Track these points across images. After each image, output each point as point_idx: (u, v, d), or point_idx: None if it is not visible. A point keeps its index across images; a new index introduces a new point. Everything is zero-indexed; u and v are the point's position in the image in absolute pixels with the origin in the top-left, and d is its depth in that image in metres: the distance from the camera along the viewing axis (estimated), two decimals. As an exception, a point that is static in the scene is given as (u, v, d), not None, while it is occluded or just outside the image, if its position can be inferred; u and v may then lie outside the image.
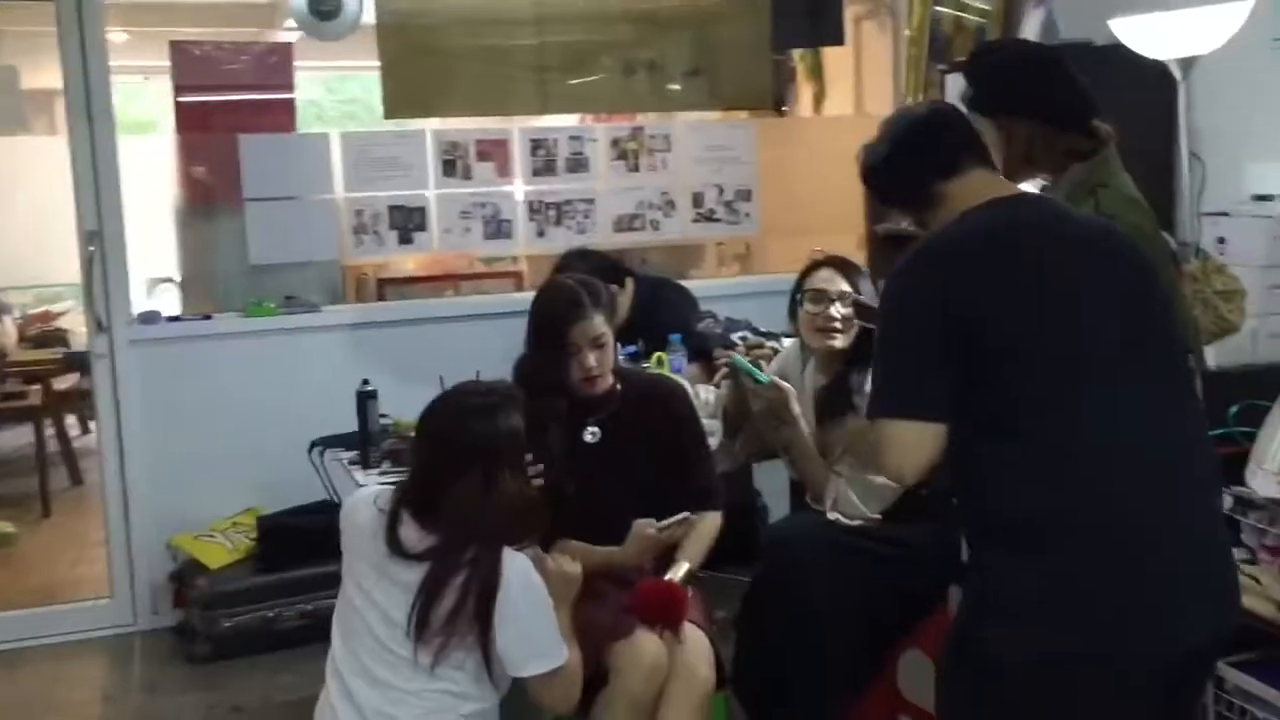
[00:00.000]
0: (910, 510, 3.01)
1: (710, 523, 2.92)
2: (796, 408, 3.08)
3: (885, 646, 3.03)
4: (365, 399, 3.34)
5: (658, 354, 3.60)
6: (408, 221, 4.68)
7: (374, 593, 2.26)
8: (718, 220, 5.15)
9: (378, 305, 5.00)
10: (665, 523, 2.73)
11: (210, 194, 4.61)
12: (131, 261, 4.37)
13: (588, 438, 2.88)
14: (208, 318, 4.52)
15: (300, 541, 4.26)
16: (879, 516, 3.00)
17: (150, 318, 4.42)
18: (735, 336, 3.81)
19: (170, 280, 4.83)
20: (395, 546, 2.24)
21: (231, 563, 4.27)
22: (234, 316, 4.54)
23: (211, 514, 4.45)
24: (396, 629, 2.22)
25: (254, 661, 4.09)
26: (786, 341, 3.50)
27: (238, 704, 3.82)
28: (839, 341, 3.09)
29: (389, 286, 5.04)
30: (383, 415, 3.58)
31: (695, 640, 2.67)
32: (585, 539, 2.85)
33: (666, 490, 2.93)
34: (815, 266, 3.18)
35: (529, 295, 4.98)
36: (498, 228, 4.79)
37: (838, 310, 3.06)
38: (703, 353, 3.87)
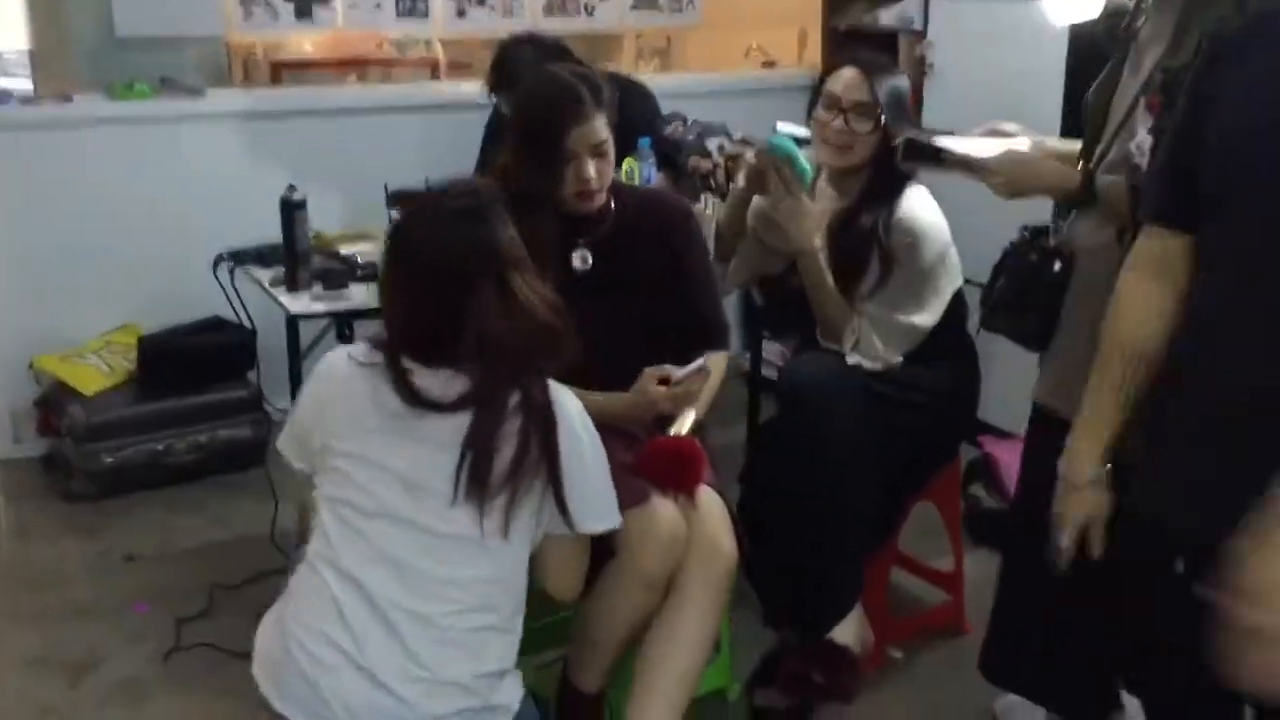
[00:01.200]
0: (931, 354, 2.67)
1: (718, 365, 2.50)
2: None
3: (897, 500, 2.72)
4: (292, 209, 2.78)
5: (626, 160, 3.09)
6: (307, -10, 3.99)
7: (389, 461, 1.80)
8: (658, 8, 4.56)
9: (271, 91, 4.31)
10: (681, 373, 2.30)
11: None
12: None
13: (576, 263, 2.41)
14: (68, 99, 3.79)
15: (191, 364, 3.74)
16: (900, 359, 2.65)
17: (-2, 98, 3.68)
18: (711, 143, 3.33)
19: (21, 54, 4.03)
20: (416, 399, 1.78)
21: (108, 388, 3.70)
22: (100, 99, 3.82)
23: (81, 332, 3.85)
24: (430, 498, 1.78)
25: (143, 500, 3.59)
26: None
27: (130, 550, 3.31)
28: (844, 159, 2.66)
29: (284, 71, 4.33)
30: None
31: (712, 505, 2.29)
32: (573, 382, 2.40)
33: (668, 325, 2.50)
34: (838, 65, 2.69)
35: (448, 87, 4.45)
36: (411, 5, 4.14)
37: (851, 124, 2.60)
38: (671, 161, 3.39)
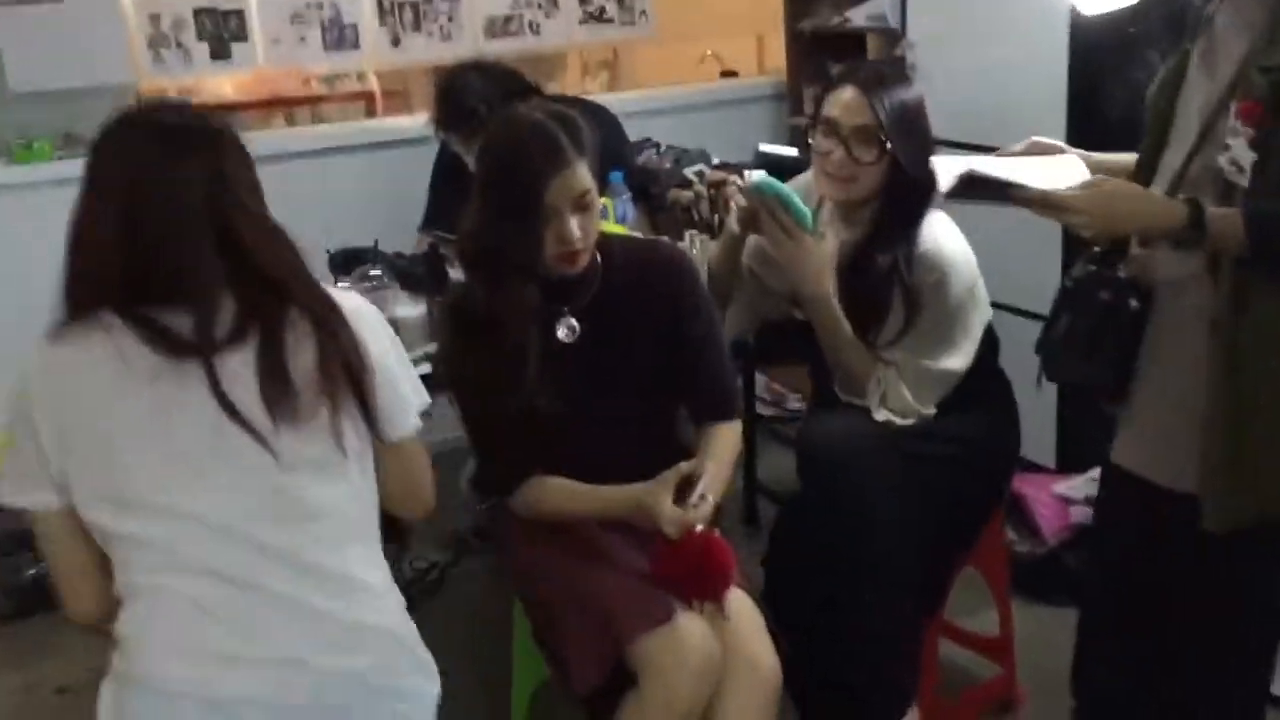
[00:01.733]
0: (964, 398, 2.34)
1: (731, 437, 2.16)
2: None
3: (945, 569, 2.39)
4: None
5: (602, 200, 2.72)
6: (221, 29, 3.59)
7: (176, 426, 1.50)
8: (608, 20, 4.21)
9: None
10: (695, 498, 1.94)
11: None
12: None
13: (562, 334, 2.05)
14: (-42, 166, 3.37)
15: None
16: (933, 410, 2.31)
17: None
18: (689, 171, 2.98)
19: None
20: (178, 343, 1.49)
21: (29, 489, 3.26)
22: (-4, 164, 3.40)
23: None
24: (244, 444, 1.50)
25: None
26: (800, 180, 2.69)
27: (62, 681, 2.90)
28: (849, 192, 2.32)
29: (202, 116, 3.91)
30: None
31: (746, 613, 1.95)
32: (567, 472, 2.06)
33: (670, 396, 2.16)
34: (836, 82, 2.35)
35: (387, 123, 4.07)
36: (340, 35, 3.76)
37: (853, 152, 2.25)
38: (646, 194, 3.04)
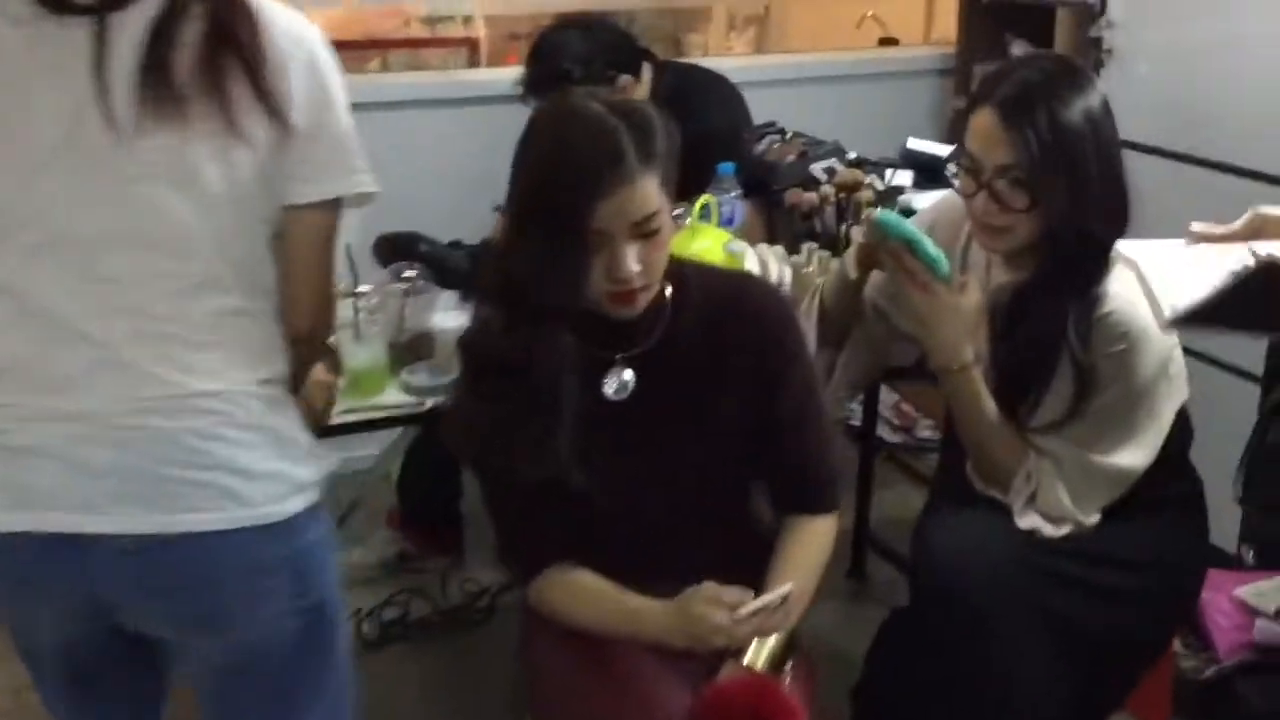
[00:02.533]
0: (1140, 503, 1.79)
1: (821, 538, 1.66)
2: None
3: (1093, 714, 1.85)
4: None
5: (703, 198, 2.21)
6: (309, -43, 3.16)
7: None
8: (753, -28, 3.65)
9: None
10: (754, 605, 1.46)
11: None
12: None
13: (611, 389, 1.57)
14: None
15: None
16: (1097, 518, 1.77)
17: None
18: (817, 168, 2.44)
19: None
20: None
21: None
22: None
23: None
24: (97, 127, 1.24)
25: None
26: (929, 199, 2.14)
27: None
28: (1001, 243, 1.76)
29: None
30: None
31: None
32: (605, 566, 1.59)
33: (746, 479, 1.66)
34: (977, 99, 1.76)
35: (488, 74, 3.62)
36: (444, -27, 3.30)
37: (1001, 198, 1.70)
38: (762, 188, 2.51)
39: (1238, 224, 1.34)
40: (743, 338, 1.58)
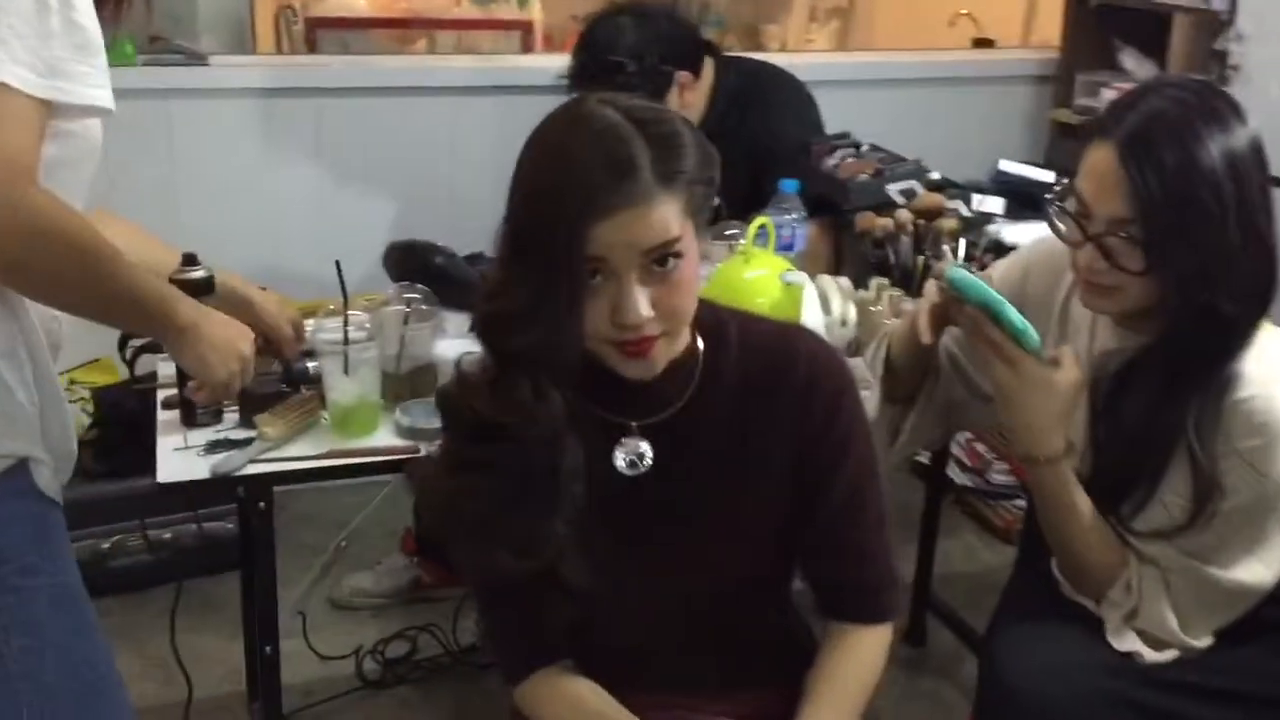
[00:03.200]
0: (1260, 630, 1.48)
1: (870, 653, 1.36)
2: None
3: None
4: (188, 293, 1.69)
5: (760, 219, 1.92)
6: (354, -74, 2.92)
7: None
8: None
9: (300, 61, 3.25)
10: None
11: None
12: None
13: (622, 463, 1.29)
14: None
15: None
16: (1208, 642, 1.46)
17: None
18: (894, 189, 2.14)
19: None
20: None
21: (54, 455, 2.75)
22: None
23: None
24: None
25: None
26: (1022, 232, 1.83)
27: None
28: (1107, 302, 1.45)
29: (323, 32, 3.26)
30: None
31: None
32: (608, 673, 1.33)
33: (785, 580, 1.38)
34: (1094, 130, 1.45)
35: (545, 61, 3.35)
36: (498, -51, 3.03)
37: (1112, 254, 1.39)
38: (830, 208, 2.22)
39: None
40: (789, 410, 1.29)
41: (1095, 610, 1.49)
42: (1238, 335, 1.40)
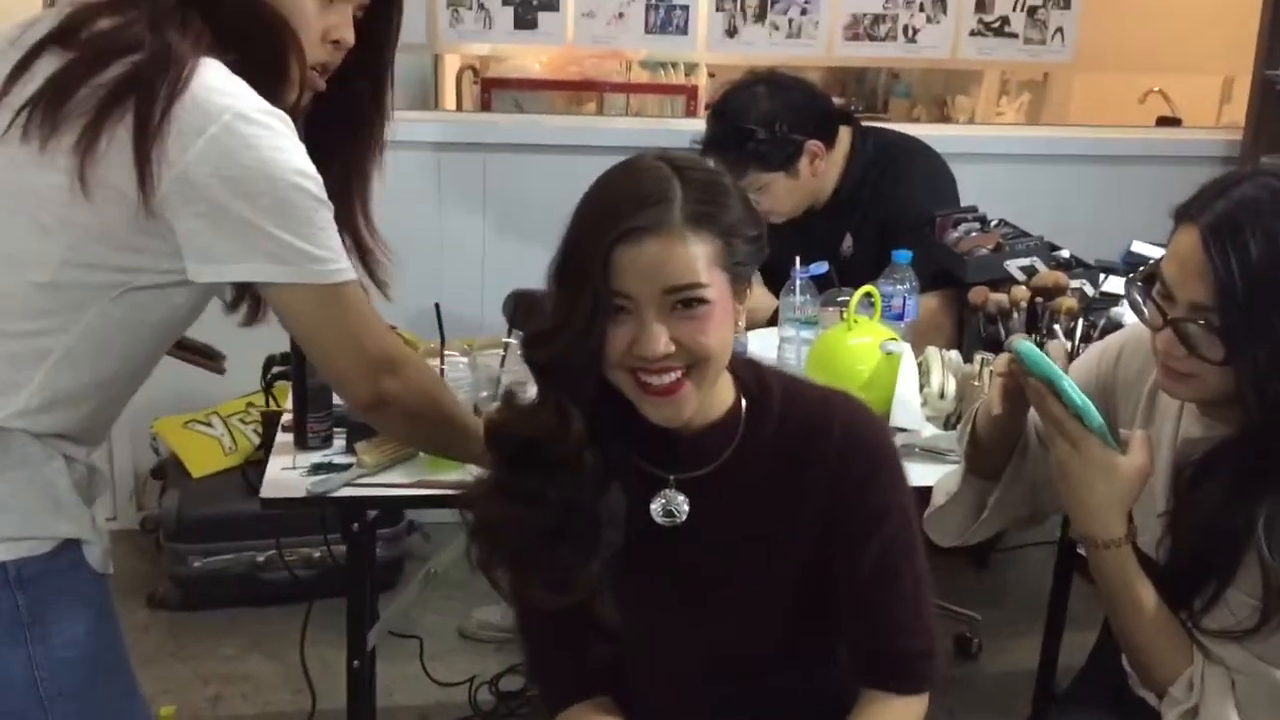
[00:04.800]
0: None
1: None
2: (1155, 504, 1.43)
3: None
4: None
5: (865, 287, 1.93)
6: (532, -6, 3.10)
7: None
8: (1010, 35, 3.32)
9: (472, 118, 3.45)
10: None
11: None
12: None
13: (658, 514, 1.33)
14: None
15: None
16: (1276, 750, 1.38)
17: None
18: (1014, 265, 2.11)
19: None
20: None
21: (220, 470, 2.99)
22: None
23: (223, 389, 3.14)
24: None
25: (225, 625, 2.84)
26: (1128, 318, 1.79)
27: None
28: (1184, 389, 1.40)
29: (496, 90, 3.45)
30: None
31: None
32: (634, 708, 1.37)
33: (814, 640, 1.39)
34: (1181, 214, 1.41)
35: (699, 123, 3.46)
36: (667, 17, 3.15)
37: (1190, 340, 1.35)
38: (950, 280, 2.21)
39: None
40: (825, 475, 1.30)
41: (1155, 705, 1.43)
42: None
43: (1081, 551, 1.51)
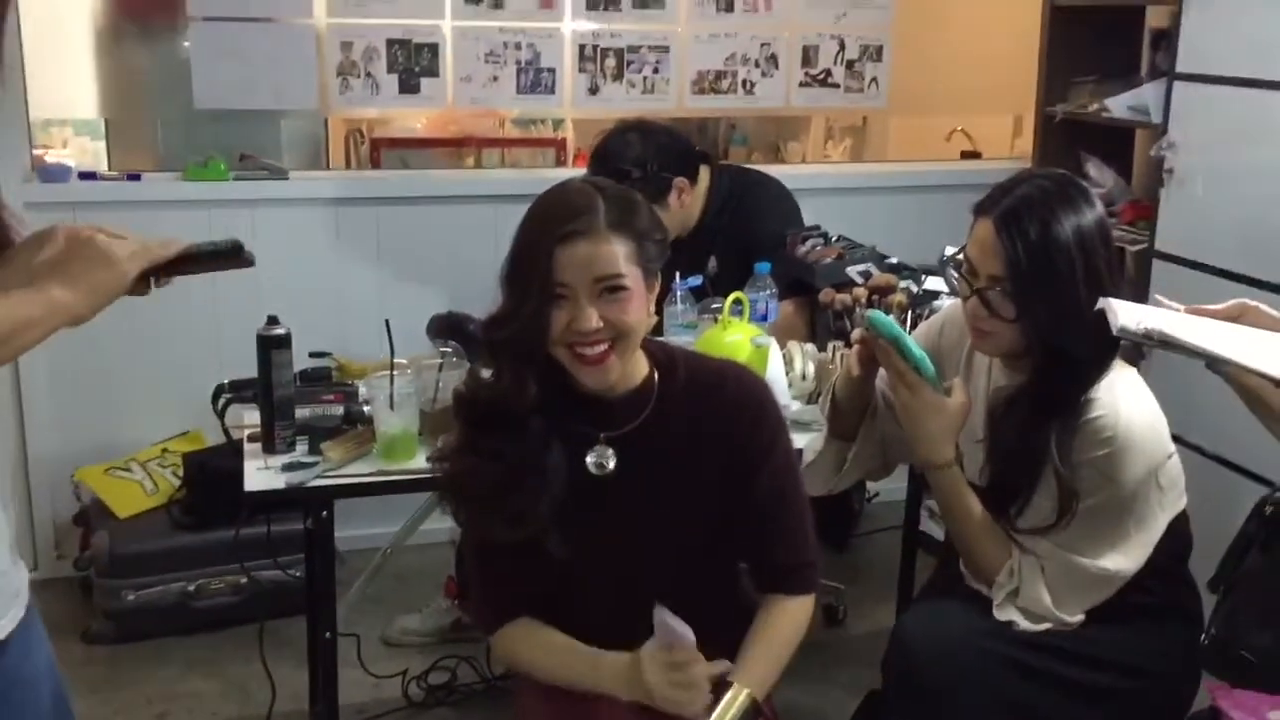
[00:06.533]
0: (1128, 607, 1.82)
1: (793, 617, 1.73)
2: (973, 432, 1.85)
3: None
4: (269, 347, 2.15)
5: (734, 294, 2.34)
6: (413, 62, 3.43)
7: None
8: (833, 85, 3.81)
9: (365, 175, 3.78)
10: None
11: (145, 7, 3.37)
12: (34, 96, 3.20)
13: (591, 464, 1.69)
14: (136, 177, 3.34)
15: (240, 487, 3.17)
16: (1080, 618, 1.80)
17: (56, 174, 3.26)
18: (853, 270, 2.55)
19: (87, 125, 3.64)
20: None
21: (146, 510, 3.20)
22: (172, 179, 3.37)
23: (136, 439, 3.36)
24: None
25: (159, 652, 3.05)
26: (947, 301, 2.24)
27: (162, 708, 2.82)
28: (988, 346, 1.85)
29: (385, 149, 3.79)
30: (320, 354, 2.43)
31: None
32: (574, 627, 1.70)
33: (726, 556, 1.76)
34: (979, 209, 1.87)
35: (576, 173, 3.81)
36: (536, 78, 3.53)
37: (990, 305, 1.80)
38: (802, 287, 2.63)
39: (1220, 305, 1.58)
40: (723, 423, 1.68)
41: (988, 594, 1.84)
42: (1087, 372, 1.78)
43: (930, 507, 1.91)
